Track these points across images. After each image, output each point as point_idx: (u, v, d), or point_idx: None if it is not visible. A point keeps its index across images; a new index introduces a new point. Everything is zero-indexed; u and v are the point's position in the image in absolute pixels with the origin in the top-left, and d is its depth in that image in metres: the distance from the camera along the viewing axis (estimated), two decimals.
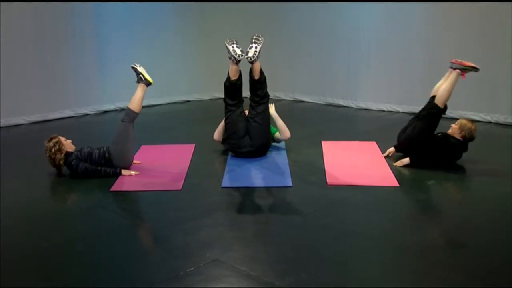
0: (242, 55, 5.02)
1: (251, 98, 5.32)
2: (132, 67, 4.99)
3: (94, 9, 7.90)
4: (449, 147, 4.96)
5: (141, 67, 4.98)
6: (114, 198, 4.34)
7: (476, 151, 5.12)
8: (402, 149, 5.22)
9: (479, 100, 7.03)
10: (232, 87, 5.24)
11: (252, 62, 5.07)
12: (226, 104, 5.32)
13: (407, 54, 7.73)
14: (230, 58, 5.10)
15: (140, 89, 4.92)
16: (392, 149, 5.30)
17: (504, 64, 6.76)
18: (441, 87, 5.08)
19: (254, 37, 5.08)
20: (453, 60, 5.10)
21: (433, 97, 5.11)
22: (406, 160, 4.99)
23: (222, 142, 5.55)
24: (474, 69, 5.03)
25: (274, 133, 5.62)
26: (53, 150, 4.71)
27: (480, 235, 3.57)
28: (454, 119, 5.39)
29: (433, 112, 5.04)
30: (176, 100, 8.97)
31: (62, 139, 4.80)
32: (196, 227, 3.66)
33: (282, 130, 5.58)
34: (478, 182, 4.71)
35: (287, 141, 5.69)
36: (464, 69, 5.02)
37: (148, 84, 4.95)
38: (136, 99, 4.87)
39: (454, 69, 5.06)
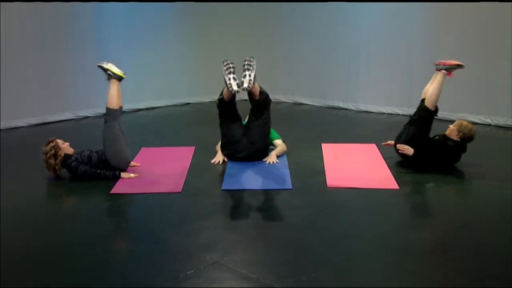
0: (238, 91, 4.79)
1: (252, 104, 5.22)
2: (98, 66, 4.84)
3: (94, 10, 7.92)
4: (448, 150, 4.95)
5: (109, 64, 4.82)
6: (113, 201, 4.34)
7: (476, 154, 5.12)
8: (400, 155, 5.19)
9: (479, 103, 7.03)
10: (225, 107, 5.15)
11: (249, 91, 4.90)
12: (220, 110, 5.22)
13: (407, 56, 7.74)
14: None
15: (113, 85, 4.79)
16: (392, 142, 5.31)
17: (504, 66, 6.77)
18: (429, 90, 5.11)
19: (246, 63, 4.79)
20: (437, 62, 5.15)
21: (423, 100, 5.13)
22: (411, 151, 4.89)
23: (221, 149, 5.44)
24: (459, 66, 5.06)
25: (274, 139, 5.49)
26: (48, 155, 4.68)
27: (480, 237, 3.56)
28: (454, 122, 5.37)
29: (424, 115, 5.05)
30: (176, 103, 8.97)
31: (60, 142, 4.76)
32: (196, 229, 3.66)
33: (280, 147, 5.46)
34: (478, 184, 4.71)
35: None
36: (449, 69, 5.05)
37: (119, 78, 4.81)
38: (112, 97, 4.75)
39: (440, 70, 5.09)
